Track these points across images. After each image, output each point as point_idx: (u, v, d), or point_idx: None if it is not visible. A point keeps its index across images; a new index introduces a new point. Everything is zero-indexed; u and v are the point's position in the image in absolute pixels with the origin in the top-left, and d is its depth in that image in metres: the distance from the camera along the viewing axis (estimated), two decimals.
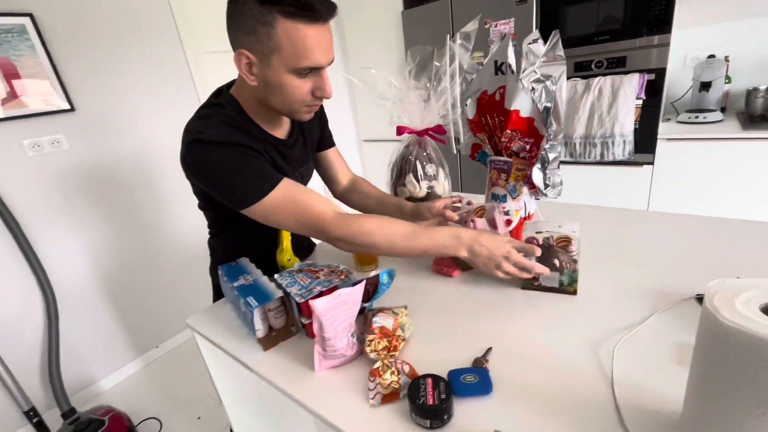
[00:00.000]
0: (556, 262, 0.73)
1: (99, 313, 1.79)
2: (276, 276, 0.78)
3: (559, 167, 0.81)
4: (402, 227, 0.72)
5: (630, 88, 1.77)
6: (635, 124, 1.80)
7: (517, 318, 0.69)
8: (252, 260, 0.87)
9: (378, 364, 0.58)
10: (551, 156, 0.80)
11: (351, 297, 0.62)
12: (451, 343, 0.65)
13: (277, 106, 0.73)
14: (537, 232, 0.74)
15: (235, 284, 0.76)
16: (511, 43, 0.73)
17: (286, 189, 0.71)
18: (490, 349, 0.61)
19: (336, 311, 0.60)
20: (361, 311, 0.74)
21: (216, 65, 2.06)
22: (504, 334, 0.65)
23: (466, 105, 0.83)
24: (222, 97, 0.77)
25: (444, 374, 0.56)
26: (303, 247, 1.04)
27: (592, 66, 1.88)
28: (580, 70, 1.91)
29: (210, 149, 0.67)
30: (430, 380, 0.53)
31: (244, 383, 0.95)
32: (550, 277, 0.74)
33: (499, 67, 0.77)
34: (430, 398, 0.50)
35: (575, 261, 0.71)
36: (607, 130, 1.86)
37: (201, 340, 0.84)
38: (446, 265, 0.84)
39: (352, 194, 1.02)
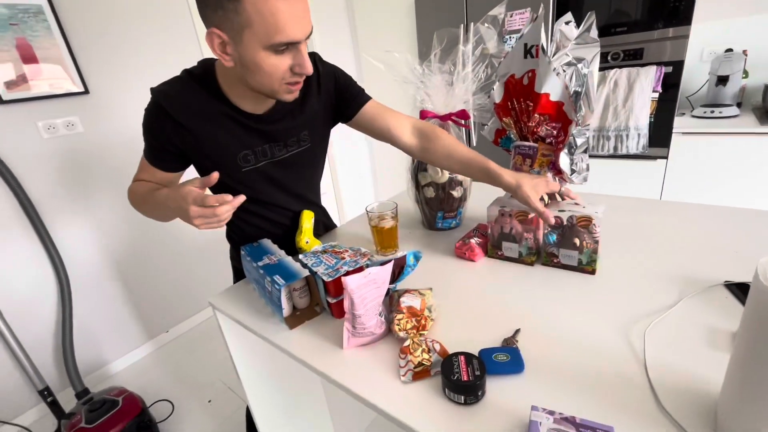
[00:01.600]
0: (576, 240, 0.73)
1: (111, 296, 1.81)
2: (300, 256, 0.78)
3: (586, 152, 0.80)
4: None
5: (646, 81, 1.75)
6: (650, 117, 1.79)
7: (539, 298, 0.69)
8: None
9: (408, 342, 0.59)
10: (579, 141, 0.79)
11: (380, 276, 0.62)
12: (478, 324, 0.65)
13: (257, 87, 0.69)
14: (560, 211, 0.74)
15: (260, 264, 0.77)
16: (543, 26, 0.73)
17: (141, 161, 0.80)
18: (518, 330, 0.62)
19: (366, 289, 0.61)
20: (387, 292, 0.75)
21: None
22: (529, 315, 0.65)
23: (493, 89, 0.82)
24: (200, 65, 0.76)
25: (475, 353, 0.56)
26: (318, 227, 1.04)
27: (608, 58, 1.86)
28: None
29: (150, 101, 0.73)
30: (462, 358, 0.53)
31: (264, 362, 0.95)
32: (569, 255, 0.74)
33: (529, 50, 0.76)
34: (464, 375, 0.50)
35: (596, 241, 0.71)
36: (621, 123, 1.85)
37: (223, 319, 0.84)
38: (468, 249, 0.84)
39: (428, 154, 0.86)
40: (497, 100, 0.83)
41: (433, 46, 0.89)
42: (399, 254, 0.71)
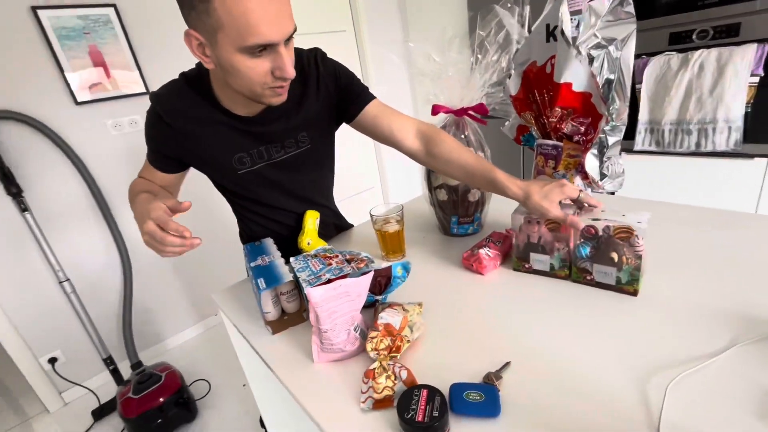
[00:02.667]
0: (614, 255, 0.61)
1: (167, 279, 1.98)
2: (291, 259, 0.76)
3: (621, 154, 0.66)
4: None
5: (743, 63, 1.44)
6: (746, 107, 1.47)
7: (554, 324, 0.59)
8: (276, 242, 0.87)
9: (375, 365, 0.53)
10: (611, 140, 0.66)
11: (355, 288, 0.57)
12: (467, 351, 0.57)
13: (239, 90, 0.65)
14: (594, 219, 0.62)
15: (252, 264, 0.76)
16: (566, 1, 0.61)
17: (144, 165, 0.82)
18: (507, 363, 0.53)
19: (336, 302, 0.56)
20: (373, 304, 0.70)
21: None
22: (530, 344, 0.56)
23: (509, 79, 0.72)
24: (196, 67, 0.75)
25: (447, 386, 0.49)
26: (329, 229, 1.01)
27: (693, 36, 1.56)
28: (677, 42, 1.61)
29: (149, 106, 0.75)
30: (425, 392, 0.47)
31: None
32: (604, 272, 0.63)
33: (552, 33, 0.65)
34: (421, 413, 0.44)
35: (639, 257, 0.59)
36: (707, 115, 1.55)
37: (224, 316, 0.85)
38: (476, 260, 0.75)
39: (432, 160, 0.78)
40: (513, 92, 0.72)
41: (480, 26, 0.79)
42: (384, 264, 0.65)
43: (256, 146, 0.78)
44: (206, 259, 2.07)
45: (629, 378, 0.47)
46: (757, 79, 1.44)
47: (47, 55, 1.52)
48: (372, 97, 0.81)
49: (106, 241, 1.77)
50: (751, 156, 1.54)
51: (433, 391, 0.46)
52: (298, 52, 0.77)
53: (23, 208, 1.52)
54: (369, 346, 0.56)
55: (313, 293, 0.54)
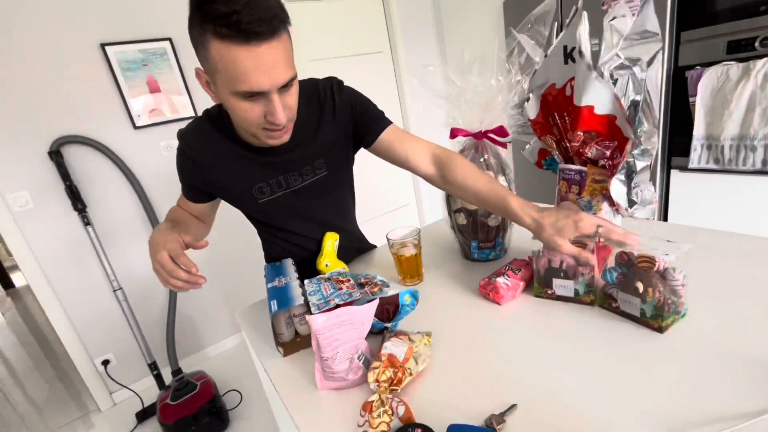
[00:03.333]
0: (639, 285, 0.56)
1: (209, 291, 2.09)
2: (306, 281, 0.77)
3: (651, 179, 0.61)
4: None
5: None
6: None
7: (569, 360, 0.55)
8: (297, 263, 0.89)
9: (374, 398, 0.52)
10: (640, 165, 0.61)
11: (358, 316, 0.57)
12: (472, 388, 0.54)
13: (241, 127, 0.68)
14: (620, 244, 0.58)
15: (269, 285, 0.78)
16: (585, 19, 0.58)
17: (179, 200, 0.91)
18: (513, 406, 0.49)
19: (338, 330, 0.56)
20: (383, 330, 0.69)
21: (322, 73, 2.20)
22: (542, 384, 0.52)
23: (527, 101, 0.69)
24: (217, 104, 0.77)
25: (445, 425, 0.47)
26: (349, 252, 1.02)
27: (756, 44, 1.42)
28: (736, 51, 1.47)
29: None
30: (419, 431, 0.45)
31: None
32: (628, 301, 0.58)
33: (570, 54, 0.62)
34: None
35: (674, 291, 0.54)
36: None
37: (244, 334, 0.88)
38: (492, 289, 0.72)
39: (447, 185, 0.78)
40: (532, 116, 0.70)
41: (511, 48, 0.77)
42: (391, 292, 0.64)
43: (275, 176, 0.81)
44: (246, 274, 2.16)
45: (648, 431, 0.42)
46: None
47: (112, 85, 1.70)
48: (387, 124, 0.81)
49: None
50: None
51: (426, 431, 0.44)
52: (314, 82, 0.80)
53: (86, 222, 1.68)
54: (371, 377, 0.55)
55: (315, 320, 0.54)
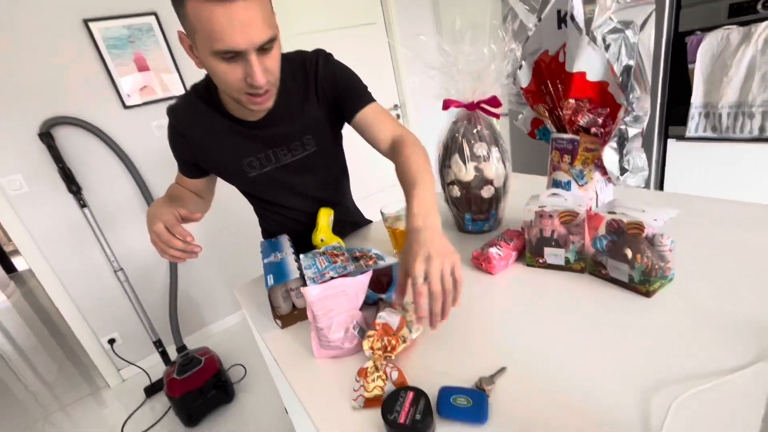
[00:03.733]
0: (628, 251, 0.57)
1: (211, 270, 2.12)
2: (301, 256, 0.78)
3: (642, 146, 0.61)
4: None
5: None
6: None
7: (559, 326, 0.56)
8: (293, 239, 0.89)
9: (368, 364, 0.54)
10: (632, 132, 0.61)
11: (352, 287, 0.58)
12: (464, 353, 0.56)
13: (224, 92, 0.67)
14: (609, 212, 0.59)
15: (266, 261, 0.79)
16: None
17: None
18: (503, 369, 0.51)
19: (333, 301, 0.57)
20: (378, 301, 0.70)
21: (313, 47, 2.15)
22: (532, 348, 0.53)
23: (519, 69, 0.68)
24: (205, 78, 0.77)
25: (436, 389, 0.49)
26: (345, 227, 1.02)
27: (758, 6, 1.38)
28: (738, 14, 1.43)
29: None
30: (411, 394, 0.46)
31: None
32: (617, 267, 0.60)
33: (563, 19, 0.60)
34: (403, 415, 0.44)
35: (662, 257, 0.56)
36: None
37: (244, 309, 0.90)
38: (485, 260, 0.73)
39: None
40: (524, 84, 0.69)
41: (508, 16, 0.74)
42: (382, 264, 0.65)
43: (263, 150, 0.81)
44: (245, 251, 2.18)
45: (632, 392, 0.44)
46: None
47: (98, 63, 1.66)
48: (368, 102, 0.80)
49: None
50: None
51: (419, 394, 0.46)
52: (302, 55, 0.78)
53: (82, 204, 1.68)
54: (365, 345, 0.57)
55: (309, 292, 0.55)
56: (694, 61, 1.53)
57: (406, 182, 0.66)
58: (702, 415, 0.40)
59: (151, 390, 1.83)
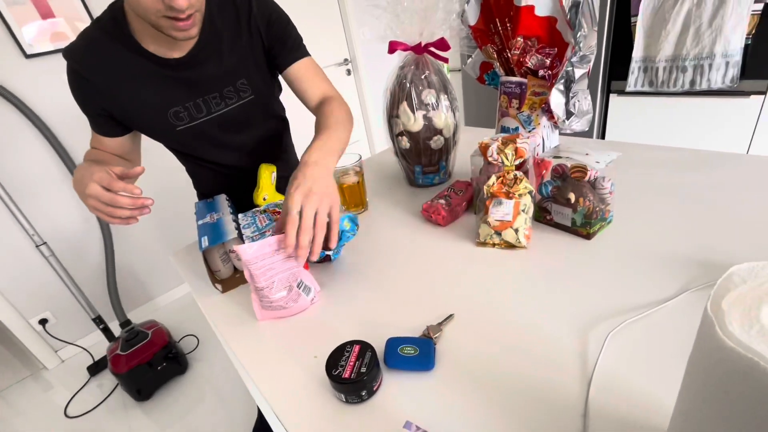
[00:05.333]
0: (571, 195, 0.58)
1: (151, 241, 1.97)
2: (240, 215, 0.72)
3: (588, 88, 0.60)
4: None
5: None
6: (746, 39, 1.36)
7: (504, 273, 0.57)
8: (234, 200, 0.82)
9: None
10: (578, 73, 0.59)
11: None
12: (411, 305, 0.55)
13: (141, 17, 0.58)
14: (555, 157, 0.59)
15: (200, 222, 0.72)
16: None
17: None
18: (450, 316, 0.50)
19: (272, 259, 0.53)
20: (326, 258, 0.67)
21: None
22: (479, 295, 0.53)
23: (467, 4, 0.64)
24: (109, 8, 0.65)
25: (383, 341, 0.47)
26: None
27: None
28: None
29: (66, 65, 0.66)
30: (357, 348, 0.45)
31: None
32: (561, 212, 0.60)
33: None
34: (349, 370, 0.42)
35: (602, 200, 0.57)
36: (704, 49, 1.44)
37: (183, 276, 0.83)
38: (434, 211, 0.71)
39: None
40: (472, 22, 0.64)
41: None
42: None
43: (192, 98, 0.70)
44: (187, 218, 2.04)
45: (572, 328, 0.45)
46: (761, 6, 1.32)
47: None
48: (302, 55, 0.74)
49: (82, 204, 1.72)
50: (747, 94, 1.45)
51: (365, 347, 0.45)
52: None
53: None
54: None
55: (244, 251, 0.50)
56: (637, 14, 1.55)
57: (319, 127, 0.66)
58: (634, 344, 0.42)
59: (95, 368, 1.73)
